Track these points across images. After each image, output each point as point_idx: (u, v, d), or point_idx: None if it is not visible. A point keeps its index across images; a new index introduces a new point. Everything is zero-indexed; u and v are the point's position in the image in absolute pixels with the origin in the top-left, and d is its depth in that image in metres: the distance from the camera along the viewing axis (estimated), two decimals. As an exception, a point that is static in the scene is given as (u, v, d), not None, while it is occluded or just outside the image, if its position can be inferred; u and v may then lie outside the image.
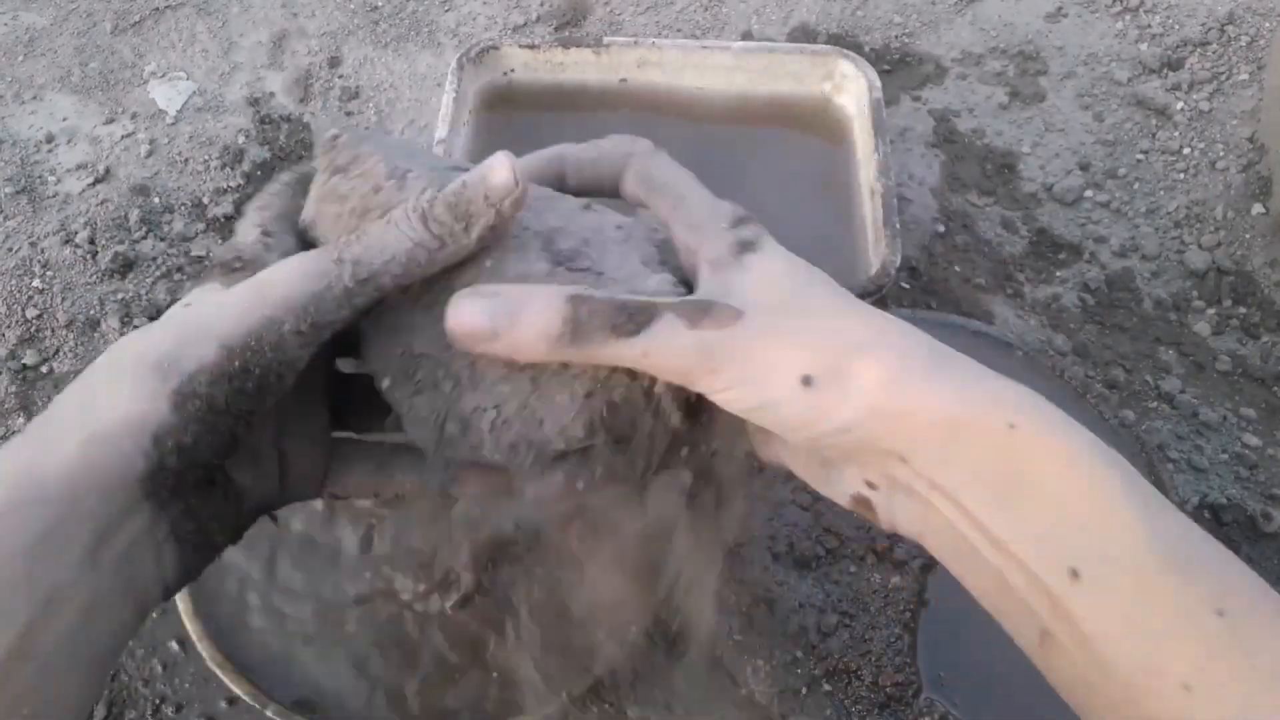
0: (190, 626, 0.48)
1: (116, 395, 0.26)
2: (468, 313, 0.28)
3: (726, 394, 0.28)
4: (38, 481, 0.25)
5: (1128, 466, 0.28)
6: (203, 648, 0.47)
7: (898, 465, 0.28)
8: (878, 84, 0.67)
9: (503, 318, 0.28)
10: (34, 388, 0.62)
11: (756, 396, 0.28)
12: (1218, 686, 0.24)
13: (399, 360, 0.30)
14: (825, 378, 0.28)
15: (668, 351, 0.28)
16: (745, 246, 0.31)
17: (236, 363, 0.27)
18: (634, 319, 0.28)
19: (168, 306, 0.65)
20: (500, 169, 0.29)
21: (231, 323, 0.27)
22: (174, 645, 0.52)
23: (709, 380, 0.28)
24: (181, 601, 0.48)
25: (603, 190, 0.35)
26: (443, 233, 0.29)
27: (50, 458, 0.26)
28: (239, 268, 0.30)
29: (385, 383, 0.31)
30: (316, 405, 0.33)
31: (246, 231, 0.32)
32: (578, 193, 0.34)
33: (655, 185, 0.33)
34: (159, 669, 0.52)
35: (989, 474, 0.27)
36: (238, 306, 0.27)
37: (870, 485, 0.30)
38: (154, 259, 0.68)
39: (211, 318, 0.28)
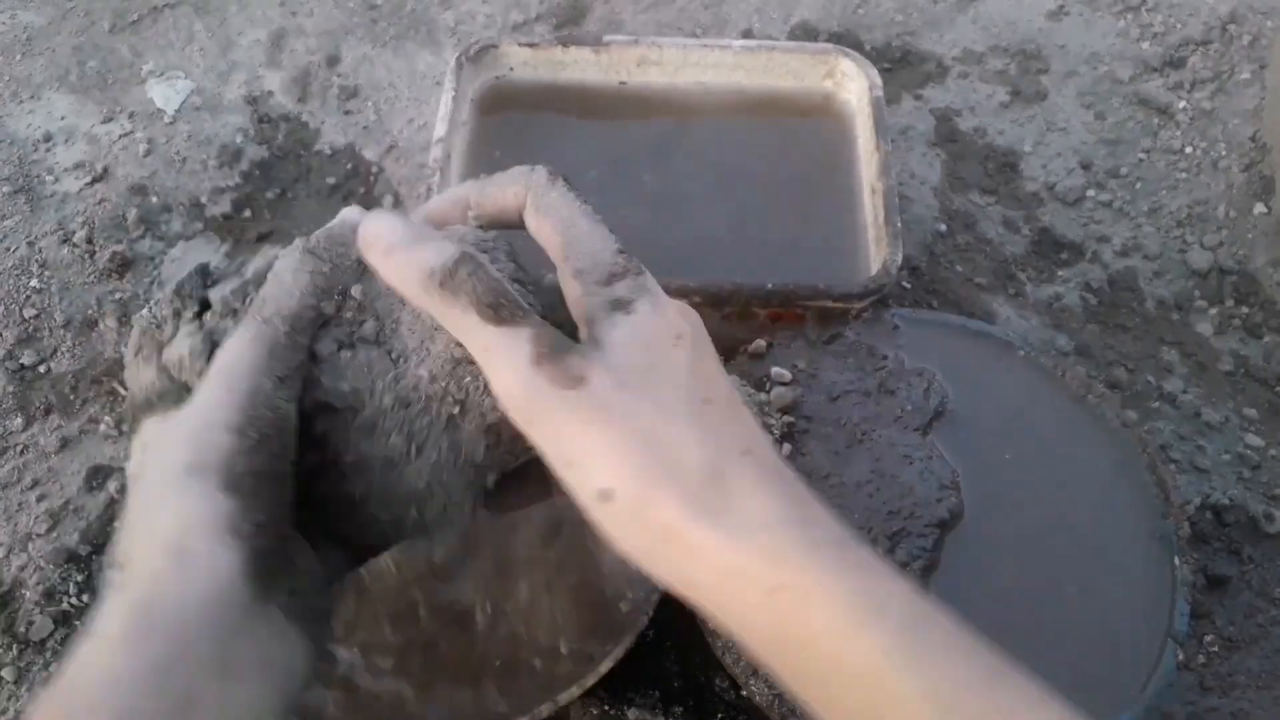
0: None
1: (175, 513, 0.27)
2: (385, 224, 0.31)
3: (536, 448, 0.28)
4: (144, 611, 0.26)
5: (898, 603, 0.26)
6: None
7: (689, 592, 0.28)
8: (879, 82, 0.67)
9: (404, 240, 0.30)
10: (31, 388, 0.62)
11: (560, 472, 0.28)
12: None
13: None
14: (624, 499, 0.27)
15: (503, 365, 0.28)
16: (618, 305, 0.29)
17: (253, 433, 0.28)
18: (499, 311, 0.28)
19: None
20: (351, 210, 0.33)
21: (225, 409, 0.28)
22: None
23: (521, 424, 0.28)
24: None
25: (508, 223, 0.34)
26: (329, 256, 0.32)
27: (150, 588, 0.26)
28: (163, 396, 0.32)
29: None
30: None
31: (142, 377, 0.33)
32: (485, 228, 0.34)
33: (546, 219, 0.32)
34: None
35: (772, 639, 0.27)
36: (220, 395, 0.29)
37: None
38: (152, 259, 0.68)
39: (204, 415, 0.29)
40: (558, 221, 0.32)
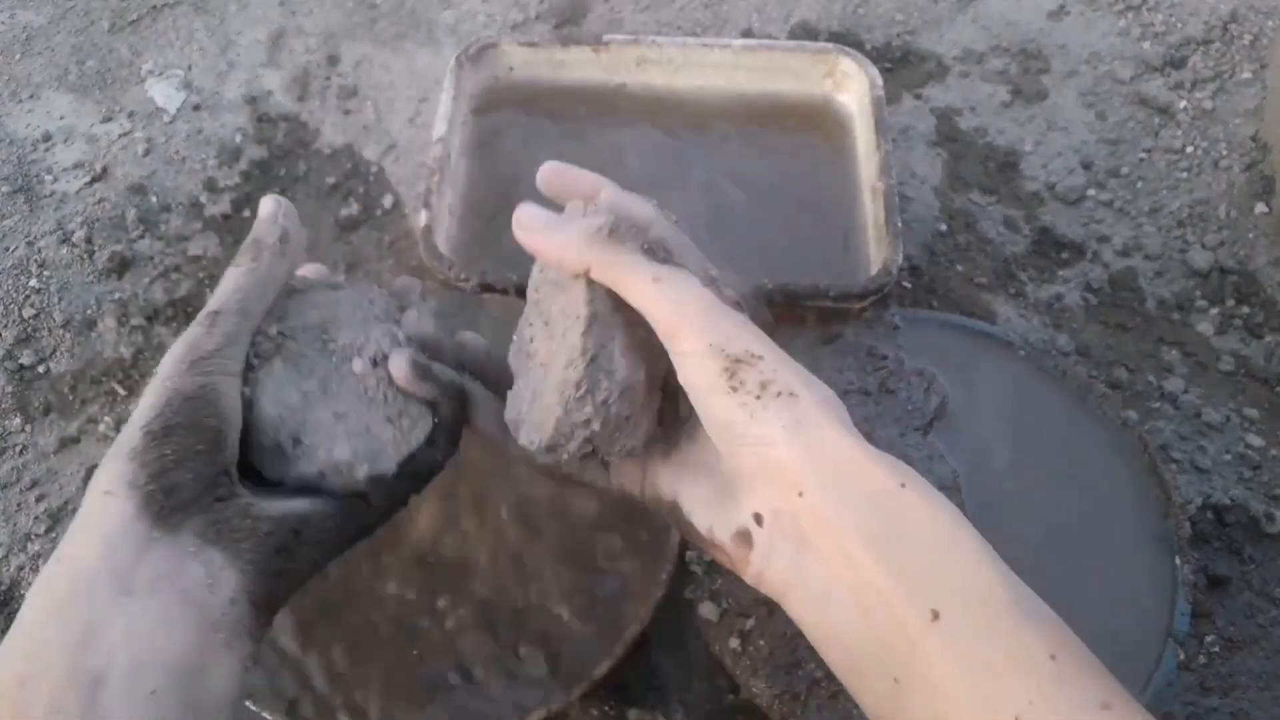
0: None
1: (90, 487, 0.33)
2: (530, 212, 0.37)
3: (692, 359, 0.33)
4: (49, 564, 0.32)
5: (981, 536, 0.31)
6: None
7: (793, 498, 0.31)
8: (879, 82, 0.67)
9: (556, 220, 0.36)
10: (30, 388, 0.62)
11: (716, 369, 0.33)
12: (1044, 719, 0.27)
13: None
14: (776, 387, 0.32)
15: (680, 285, 0.34)
16: (708, 281, 0.36)
17: (156, 425, 0.34)
18: (656, 251, 0.35)
19: (165, 308, 0.65)
20: (266, 202, 0.39)
21: (144, 411, 0.34)
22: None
23: (687, 337, 0.33)
24: None
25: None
26: (254, 252, 0.38)
27: (58, 550, 0.32)
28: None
29: None
30: None
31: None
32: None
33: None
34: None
35: (877, 521, 0.30)
36: (146, 400, 0.34)
37: (758, 519, 0.33)
38: (151, 258, 0.68)
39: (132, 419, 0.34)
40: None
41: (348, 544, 0.37)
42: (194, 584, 0.31)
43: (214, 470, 0.33)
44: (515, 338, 0.40)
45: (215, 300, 0.37)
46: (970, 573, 0.30)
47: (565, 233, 0.35)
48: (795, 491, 0.31)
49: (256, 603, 0.33)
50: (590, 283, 0.35)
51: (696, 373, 0.33)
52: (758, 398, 0.32)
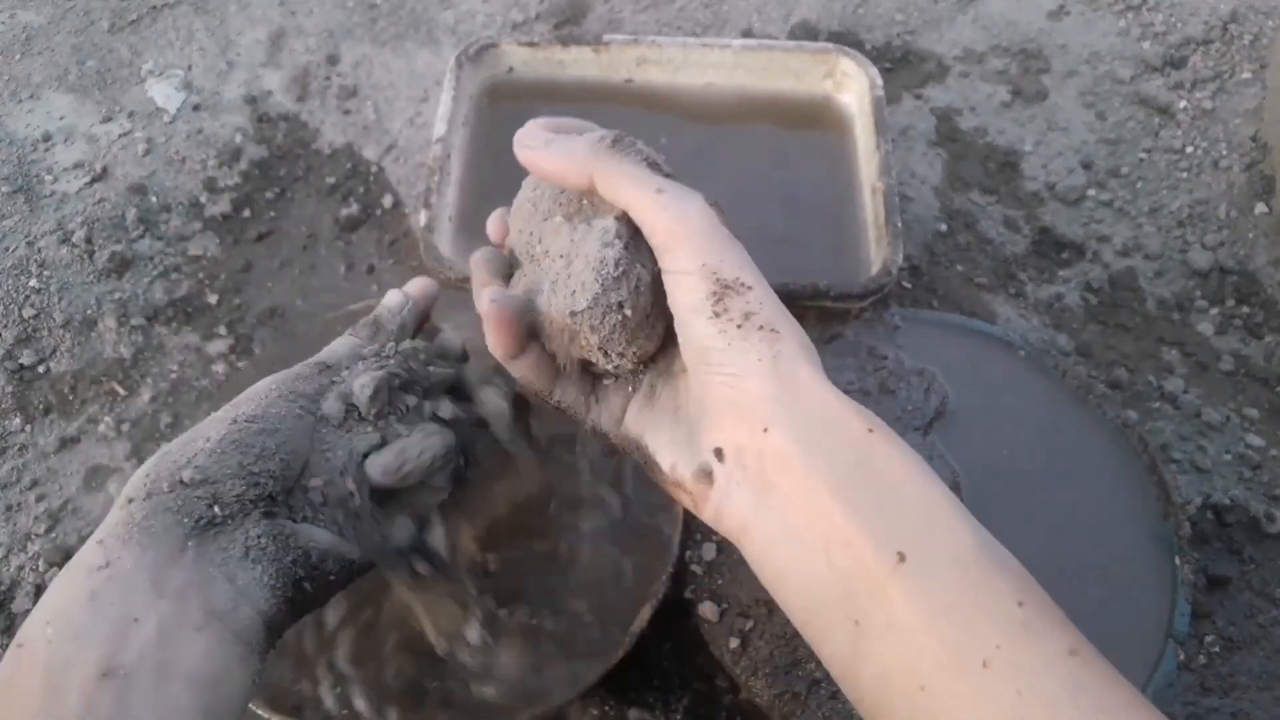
0: None
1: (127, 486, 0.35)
2: (532, 130, 0.36)
3: (683, 278, 0.33)
4: (86, 549, 0.33)
5: (946, 487, 0.31)
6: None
7: (759, 434, 0.31)
8: (879, 82, 0.67)
9: (557, 137, 0.36)
10: (31, 388, 0.62)
11: (705, 291, 0.32)
12: (1013, 664, 0.26)
13: None
14: (757, 317, 0.32)
15: (683, 200, 0.33)
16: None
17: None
18: (660, 167, 0.35)
19: (165, 308, 0.65)
20: (394, 295, 0.43)
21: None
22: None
23: (683, 253, 0.33)
24: None
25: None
26: (372, 332, 0.42)
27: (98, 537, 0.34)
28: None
29: None
30: None
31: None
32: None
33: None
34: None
35: (842, 463, 0.30)
36: (254, 412, 0.37)
37: (718, 454, 0.32)
38: (151, 258, 0.68)
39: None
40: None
41: (357, 576, 0.38)
42: (221, 597, 0.32)
43: (263, 492, 0.34)
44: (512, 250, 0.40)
45: (327, 355, 0.41)
46: (937, 518, 0.29)
47: (568, 145, 0.35)
48: (761, 427, 0.31)
49: (270, 625, 0.33)
50: None
51: (685, 291, 0.33)
52: (739, 327, 0.32)
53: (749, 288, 0.33)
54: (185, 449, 0.34)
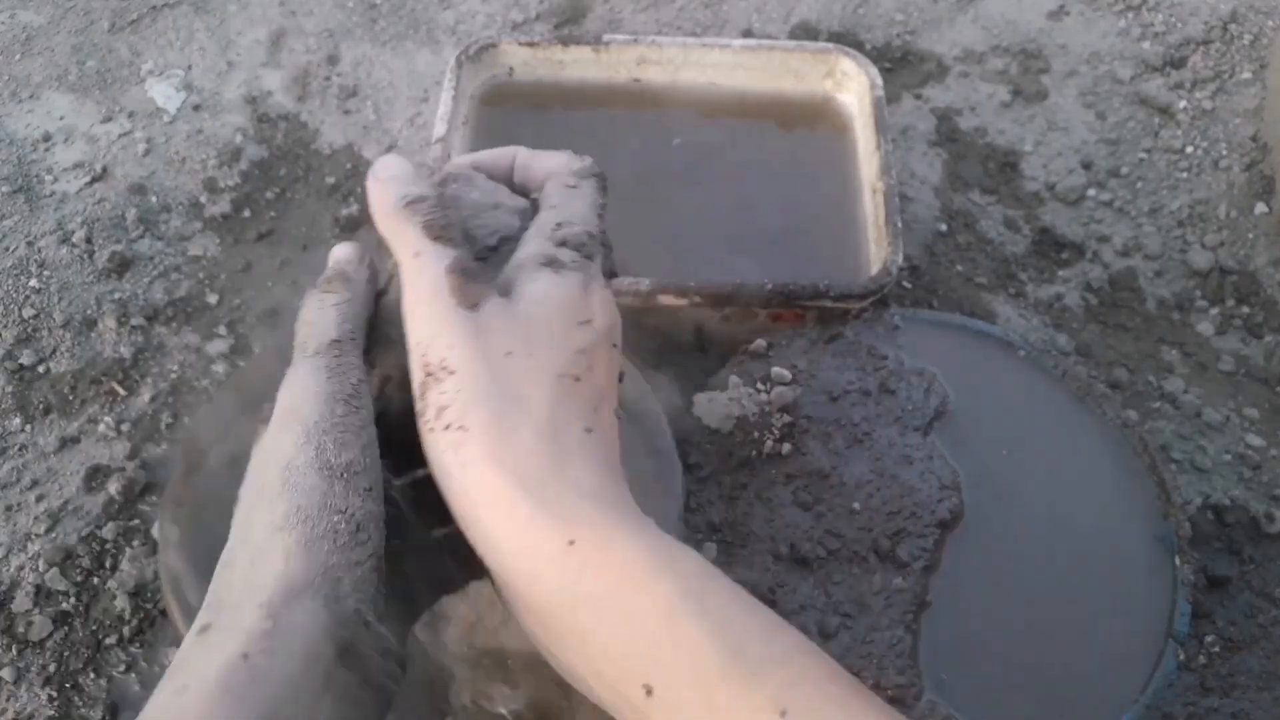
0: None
1: (276, 573, 0.27)
2: (393, 162, 0.34)
3: (411, 356, 0.30)
4: (245, 668, 0.26)
5: (687, 564, 0.27)
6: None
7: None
8: (879, 82, 0.67)
9: (401, 175, 0.34)
10: (30, 388, 0.62)
11: (416, 371, 0.30)
12: None
13: None
14: (465, 426, 0.28)
15: (427, 267, 0.31)
16: (552, 262, 0.32)
17: (340, 462, 0.29)
18: (442, 232, 0.32)
19: (165, 308, 0.65)
20: (342, 248, 0.36)
21: (304, 446, 0.29)
22: (173, 651, 0.52)
23: (409, 328, 0.31)
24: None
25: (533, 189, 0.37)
26: (345, 285, 0.34)
27: (249, 643, 0.26)
28: None
29: None
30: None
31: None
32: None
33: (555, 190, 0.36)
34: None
35: (559, 595, 0.27)
36: (297, 433, 0.29)
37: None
38: (151, 258, 0.68)
39: (287, 457, 0.29)
40: (565, 191, 0.34)
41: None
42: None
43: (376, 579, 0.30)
44: None
45: (315, 340, 0.32)
46: (673, 636, 0.26)
47: (388, 191, 0.33)
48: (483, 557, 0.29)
49: None
50: None
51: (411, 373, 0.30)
52: (430, 429, 0.29)
53: (451, 371, 0.28)
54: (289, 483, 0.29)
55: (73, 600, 0.54)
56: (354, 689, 0.28)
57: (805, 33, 0.82)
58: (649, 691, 0.26)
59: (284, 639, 0.26)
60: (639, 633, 0.26)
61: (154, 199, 0.71)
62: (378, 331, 0.34)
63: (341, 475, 0.28)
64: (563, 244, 0.32)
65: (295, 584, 0.27)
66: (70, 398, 0.61)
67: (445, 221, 0.32)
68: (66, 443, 0.60)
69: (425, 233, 0.31)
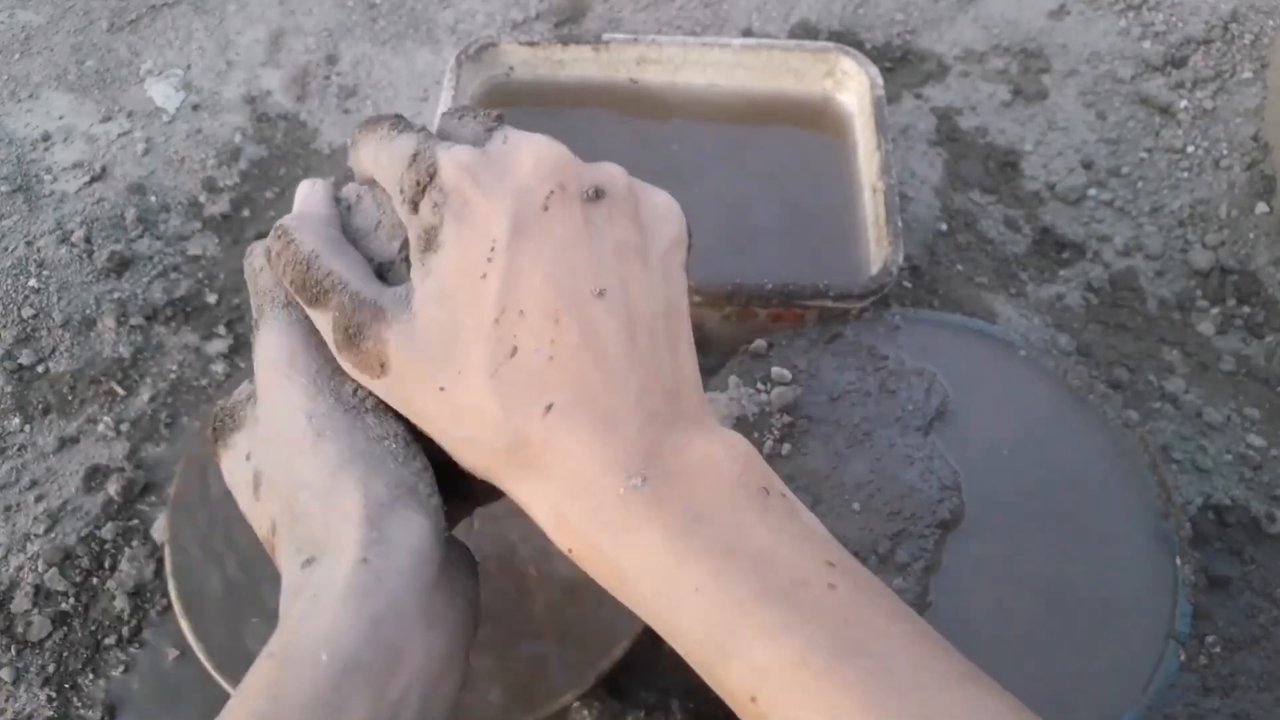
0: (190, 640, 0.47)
1: (360, 494, 0.29)
2: (303, 192, 0.37)
3: None
4: (362, 572, 0.28)
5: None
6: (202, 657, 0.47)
7: None
8: (879, 81, 0.67)
9: (296, 215, 0.35)
10: (30, 388, 0.62)
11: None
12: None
13: None
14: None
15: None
16: (429, 242, 0.30)
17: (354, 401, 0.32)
18: (307, 291, 0.31)
19: (165, 308, 0.65)
20: (305, 185, 0.38)
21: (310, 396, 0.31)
22: (172, 651, 0.52)
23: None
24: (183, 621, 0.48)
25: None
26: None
27: (361, 551, 0.28)
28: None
29: None
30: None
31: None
32: None
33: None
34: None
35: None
36: (301, 393, 0.31)
37: None
38: (150, 258, 0.68)
39: (290, 420, 0.31)
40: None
41: None
42: (464, 617, 0.31)
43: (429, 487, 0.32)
44: None
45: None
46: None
47: (301, 219, 0.35)
48: None
49: None
50: None
51: None
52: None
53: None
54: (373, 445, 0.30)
55: (72, 600, 0.54)
56: (458, 582, 0.30)
57: (805, 32, 0.82)
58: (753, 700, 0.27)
59: (392, 542, 0.28)
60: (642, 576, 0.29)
61: (153, 199, 0.71)
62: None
63: (366, 407, 0.30)
64: (413, 201, 0.31)
65: (383, 500, 0.28)
66: (69, 398, 0.61)
67: (300, 272, 0.31)
68: (66, 443, 0.60)
69: (301, 299, 0.31)
